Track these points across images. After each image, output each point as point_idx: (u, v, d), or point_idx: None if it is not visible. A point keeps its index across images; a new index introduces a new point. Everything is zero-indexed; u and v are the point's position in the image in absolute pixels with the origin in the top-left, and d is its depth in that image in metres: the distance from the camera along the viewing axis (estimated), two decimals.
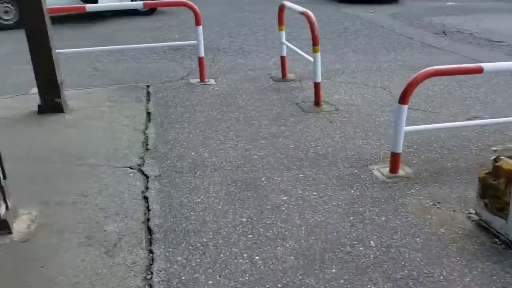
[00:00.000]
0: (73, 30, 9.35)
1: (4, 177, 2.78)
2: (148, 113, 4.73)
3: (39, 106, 4.69)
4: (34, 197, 3.17)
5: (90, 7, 5.68)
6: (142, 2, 6.27)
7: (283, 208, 3.00)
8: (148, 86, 5.59)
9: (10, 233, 2.77)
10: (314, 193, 3.18)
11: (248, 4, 12.32)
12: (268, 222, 2.86)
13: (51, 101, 4.66)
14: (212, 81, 5.77)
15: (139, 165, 3.63)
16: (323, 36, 7.86)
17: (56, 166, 3.63)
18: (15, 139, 4.14)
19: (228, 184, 3.31)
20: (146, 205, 3.07)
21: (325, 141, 3.99)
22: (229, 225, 2.82)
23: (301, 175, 3.42)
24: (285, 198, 3.12)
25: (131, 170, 3.56)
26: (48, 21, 4.50)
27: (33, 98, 4.82)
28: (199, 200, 3.11)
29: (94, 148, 3.92)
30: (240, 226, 2.81)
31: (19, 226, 2.84)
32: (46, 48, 4.51)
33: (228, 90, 5.44)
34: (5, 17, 9.48)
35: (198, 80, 5.73)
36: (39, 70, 4.59)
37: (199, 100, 5.08)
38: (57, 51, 5.09)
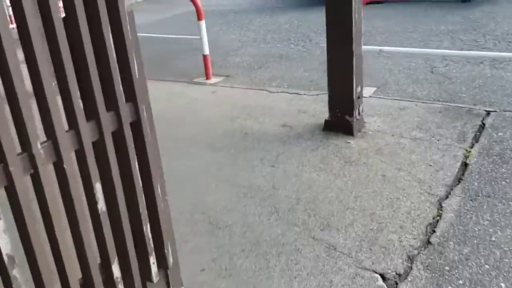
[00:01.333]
0: (440, 8, 7.94)
1: (167, 267, 1.89)
2: (464, 166, 3.04)
3: (325, 121, 3.70)
4: None
5: None
6: None
7: None
8: (488, 114, 3.77)
9: None
10: None
11: None
12: None
13: (339, 118, 3.59)
14: None
15: (399, 275, 2.17)
16: None
17: (289, 237, 2.58)
18: (275, 163, 3.29)
19: None
20: None
21: None
22: None
23: None
24: None
25: (382, 283, 2.14)
26: (358, 7, 3.32)
27: None
28: None
29: (353, 213, 2.66)
30: None
31: None
32: (346, 45, 3.38)
33: None
34: None
35: None
36: (332, 73, 3.55)
37: None
38: (380, 48, 3.95)
